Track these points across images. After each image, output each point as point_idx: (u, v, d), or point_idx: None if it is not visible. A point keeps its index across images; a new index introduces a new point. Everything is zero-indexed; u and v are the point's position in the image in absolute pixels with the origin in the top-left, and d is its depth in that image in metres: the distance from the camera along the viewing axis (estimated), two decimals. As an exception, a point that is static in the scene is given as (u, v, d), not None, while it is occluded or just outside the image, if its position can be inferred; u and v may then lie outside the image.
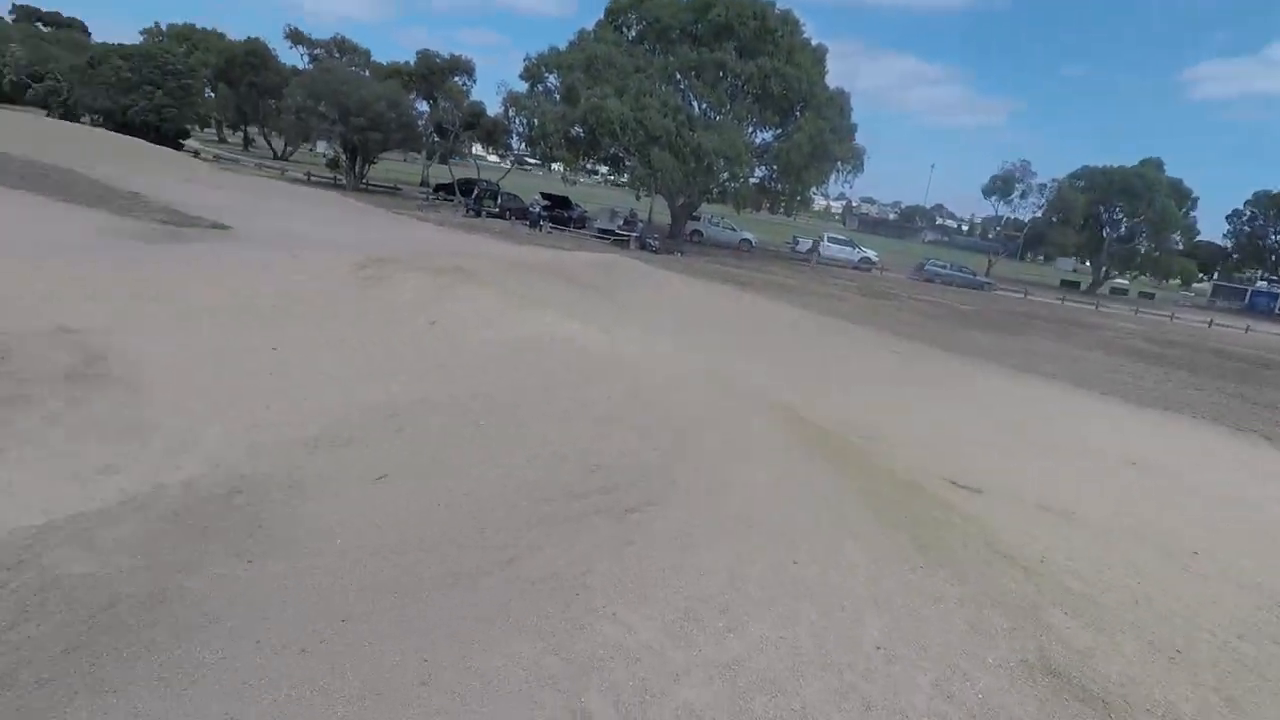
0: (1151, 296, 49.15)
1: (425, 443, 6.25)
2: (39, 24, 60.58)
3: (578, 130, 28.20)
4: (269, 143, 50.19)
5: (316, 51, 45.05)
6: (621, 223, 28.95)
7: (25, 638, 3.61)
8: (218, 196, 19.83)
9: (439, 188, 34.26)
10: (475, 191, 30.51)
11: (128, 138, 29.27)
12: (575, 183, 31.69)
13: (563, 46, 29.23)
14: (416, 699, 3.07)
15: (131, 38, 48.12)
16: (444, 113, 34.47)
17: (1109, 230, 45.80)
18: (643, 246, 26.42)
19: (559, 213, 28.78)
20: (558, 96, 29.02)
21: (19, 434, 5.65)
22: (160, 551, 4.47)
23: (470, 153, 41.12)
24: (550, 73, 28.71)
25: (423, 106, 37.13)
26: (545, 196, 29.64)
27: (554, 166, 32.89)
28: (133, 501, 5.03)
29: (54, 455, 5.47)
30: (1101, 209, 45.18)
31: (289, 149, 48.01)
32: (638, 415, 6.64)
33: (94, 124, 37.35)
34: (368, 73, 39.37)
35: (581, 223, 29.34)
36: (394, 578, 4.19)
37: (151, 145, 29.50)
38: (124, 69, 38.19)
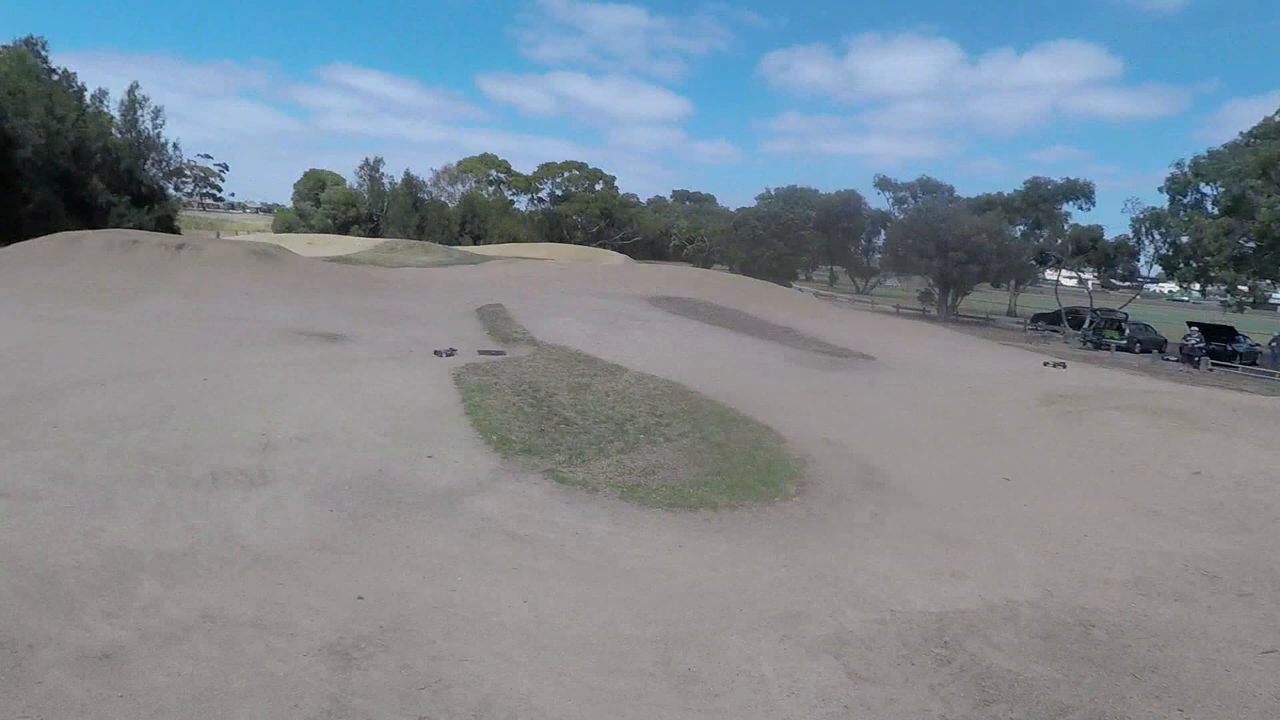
0: None
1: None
2: (686, 201, 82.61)
3: (1248, 245, 22.90)
4: (852, 279, 56.17)
5: (902, 194, 49.04)
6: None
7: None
8: (840, 329, 22.46)
9: (1038, 317, 32.15)
10: (1088, 321, 27.41)
11: (758, 280, 36.41)
12: (1239, 308, 25.30)
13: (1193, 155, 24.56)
14: None
15: (747, 203, 60.34)
16: (1047, 240, 32.76)
17: None
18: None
19: (1220, 346, 23.23)
20: (1214, 208, 24.31)
21: (884, 535, 6.81)
22: (1066, 668, 4.58)
23: (1044, 278, 37.92)
24: (1208, 183, 24.30)
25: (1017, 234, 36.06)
26: (1198, 326, 24.37)
27: (1197, 289, 27.26)
28: (997, 610, 5.39)
29: (900, 554, 6.33)
30: None
31: (871, 283, 52.75)
32: None
33: (730, 271, 48.09)
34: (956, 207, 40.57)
35: (1252, 359, 23.02)
36: None
37: (775, 286, 36.05)
38: (758, 228, 48.79)
